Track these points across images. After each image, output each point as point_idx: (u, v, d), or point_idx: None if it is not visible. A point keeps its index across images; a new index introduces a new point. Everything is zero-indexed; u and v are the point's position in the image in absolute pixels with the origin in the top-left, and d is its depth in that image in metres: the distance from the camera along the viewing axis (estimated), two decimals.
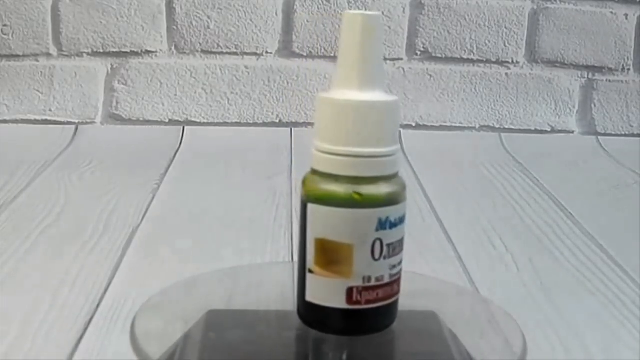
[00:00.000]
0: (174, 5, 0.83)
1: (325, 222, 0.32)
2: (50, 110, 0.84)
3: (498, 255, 0.53)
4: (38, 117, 0.84)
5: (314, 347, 0.34)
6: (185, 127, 0.85)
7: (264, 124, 0.87)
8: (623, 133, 0.91)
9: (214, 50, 0.85)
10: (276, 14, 0.85)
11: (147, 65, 0.84)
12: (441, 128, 0.88)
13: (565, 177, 0.75)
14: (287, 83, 0.86)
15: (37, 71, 0.84)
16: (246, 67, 0.85)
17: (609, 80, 0.89)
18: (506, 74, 0.88)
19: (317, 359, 0.35)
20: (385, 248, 0.32)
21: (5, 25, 0.82)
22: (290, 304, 0.34)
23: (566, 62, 0.89)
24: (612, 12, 0.88)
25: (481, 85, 0.88)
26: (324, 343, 0.34)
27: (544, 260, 0.53)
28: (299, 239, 0.33)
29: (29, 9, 0.82)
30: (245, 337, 0.35)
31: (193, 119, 0.86)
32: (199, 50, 0.85)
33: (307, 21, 0.85)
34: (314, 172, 0.33)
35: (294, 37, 0.85)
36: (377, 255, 0.32)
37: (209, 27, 0.84)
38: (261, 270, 0.43)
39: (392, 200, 0.32)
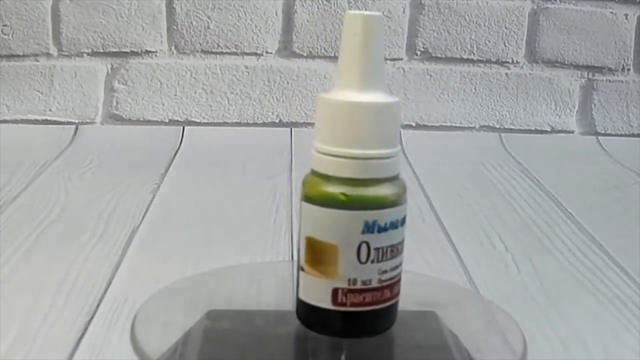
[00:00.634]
0: (174, 5, 0.83)
1: (314, 221, 0.32)
2: (50, 110, 0.84)
3: (498, 255, 0.53)
4: (38, 117, 0.84)
5: (313, 347, 0.34)
6: (185, 127, 0.85)
7: (264, 124, 0.87)
8: (623, 133, 0.91)
9: (214, 50, 0.85)
10: (276, 14, 0.85)
11: (147, 65, 0.84)
12: (441, 128, 0.88)
13: (565, 177, 0.75)
14: (287, 83, 0.86)
15: (37, 71, 0.84)
16: (246, 67, 0.85)
17: (609, 80, 0.89)
18: (506, 74, 0.88)
19: (316, 359, 0.35)
20: (372, 252, 0.32)
21: (5, 25, 0.82)
22: (290, 303, 0.34)
23: (566, 62, 0.89)
24: (612, 12, 0.88)
25: (481, 85, 0.88)
26: (323, 343, 0.34)
27: (544, 260, 0.53)
28: (298, 238, 0.33)
29: (29, 9, 0.82)
30: (245, 337, 0.35)
31: (193, 119, 0.86)
32: (199, 50, 0.85)
33: (307, 21, 0.85)
34: (312, 172, 0.33)
35: (294, 37, 0.85)
36: (363, 259, 0.32)
37: (209, 27, 0.84)
38: (261, 269, 0.43)
39: (381, 203, 0.32)
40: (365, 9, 0.84)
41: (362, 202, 0.32)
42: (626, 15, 0.88)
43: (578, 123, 0.90)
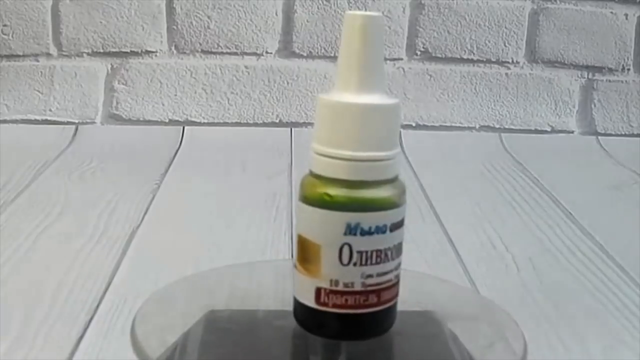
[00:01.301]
0: (174, 5, 0.83)
1: (304, 220, 0.32)
2: (50, 110, 0.84)
3: (498, 255, 0.53)
4: (38, 117, 0.84)
5: (313, 347, 0.34)
6: (185, 127, 0.85)
7: (264, 124, 0.87)
8: (623, 133, 0.91)
9: (214, 50, 0.85)
10: (276, 14, 0.85)
11: (147, 65, 0.84)
12: (441, 128, 0.88)
13: (565, 177, 0.75)
14: (287, 83, 0.86)
15: (37, 71, 0.84)
16: (246, 67, 0.85)
17: (609, 80, 0.89)
18: (506, 74, 0.88)
19: (316, 359, 0.35)
20: (355, 254, 0.31)
21: (5, 25, 0.82)
22: (289, 303, 0.34)
23: (566, 62, 0.89)
24: (612, 12, 0.88)
25: (481, 85, 0.88)
26: (322, 343, 0.34)
27: (544, 260, 0.53)
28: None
29: (29, 9, 0.82)
30: (244, 337, 0.35)
31: (193, 119, 0.86)
32: (199, 50, 0.85)
33: (307, 21, 0.85)
34: (309, 172, 0.33)
35: (294, 37, 0.85)
36: (345, 261, 0.31)
37: (209, 27, 0.84)
38: (261, 269, 0.43)
39: (365, 205, 0.31)
40: (365, 9, 0.84)
41: (345, 203, 0.31)
42: (626, 15, 0.88)
43: (578, 123, 0.90)
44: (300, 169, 0.66)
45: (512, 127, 0.89)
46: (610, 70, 0.89)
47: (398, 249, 0.33)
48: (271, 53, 0.85)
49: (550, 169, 0.78)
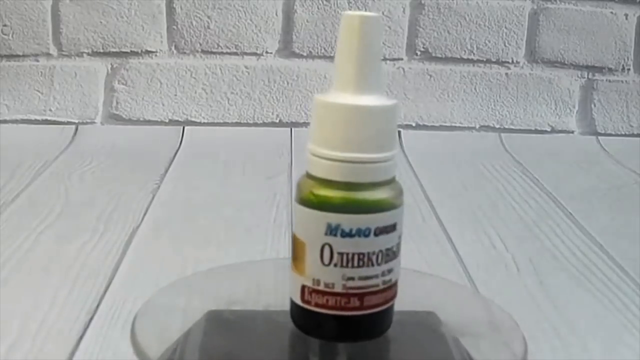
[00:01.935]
0: (174, 5, 0.83)
1: (295, 218, 0.32)
2: (50, 110, 0.84)
3: (498, 255, 0.53)
4: (38, 117, 0.84)
5: (313, 347, 0.34)
6: (185, 127, 0.85)
7: (264, 124, 0.87)
8: (623, 133, 0.91)
9: (214, 50, 0.85)
10: (276, 14, 0.85)
11: (147, 65, 0.84)
12: (441, 128, 0.88)
13: (565, 177, 0.75)
14: (287, 83, 0.86)
15: (37, 71, 0.84)
16: (246, 67, 0.85)
17: (609, 80, 0.89)
18: (506, 74, 0.88)
19: (317, 359, 0.35)
20: (336, 255, 0.31)
21: (5, 25, 0.82)
22: (289, 303, 0.34)
23: (566, 62, 0.89)
24: (612, 12, 0.88)
25: (481, 85, 0.88)
26: (322, 344, 0.34)
27: (544, 260, 0.53)
28: None
29: (29, 9, 0.82)
30: (244, 337, 0.35)
31: (193, 119, 0.86)
32: (199, 50, 0.85)
33: (307, 21, 0.85)
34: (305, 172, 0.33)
35: (294, 37, 0.85)
36: (326, 261, 0.31)
37: (209, 27, 0.84)
38: (261, 269, 0.43)
39: (346, 207, 0.31)
40: (365, 9, 0.84)
41: (326, 203, 0.31)
42: (626, 15, 0.88)
43: (578, 123, 0.90)
44: (300, 169, 0.66)
45: (512, 127, 0.89)
46: (610, 70, 0.89)
47: (388, 255, 0.32)
48: (271, 53, 0.85)
49: (550, 169, 0.78)
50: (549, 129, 0.90)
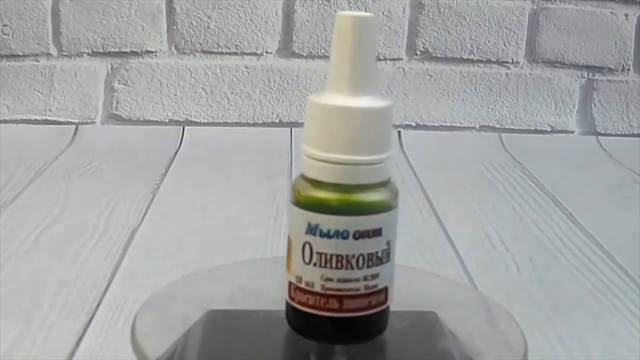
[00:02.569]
0: (174, 5, 0.83)
1: (288, 216, 0.33)
2: (50, 110, 0.84)
3: (498, 255, 0.53)
4: (38, 117, 0.84)
5: (314, 347, 0.34)
6: (185, 127, 0.85)
7: (264, 124, 0.87)
8: (623, 133, 0.91)
9: (214, 50, 0.85)
10: (276, 14, 0.85)
11: (147, 65, 0.84)
12: (441, 128, 0.88)
13: (565, 177, 0.75)
14: (287, 83, 0.86)
15: (37, 71, 0.84)
16: (246, 67, 0.85)
17: (609, 80, 0.89)
18: (506, 74, 0.88)
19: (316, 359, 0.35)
20: (315, 255, 0.31)
21: (5, 25, 0.82)
22: None
23: (566, 62, 0.89)
24: (612, 12, 0.88)
25: (481, 85, 0.88)
26: (322, 344, 0.34)
27: (544, 260, 0.53)
28: None
29: (29, 9, 0.82)
30: (245, 337, 0.35)
31: (193, 119, 0.86)
32: (199, 50, 0.85)
33: (307, 21, 0.85)
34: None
35: (294, 37, 0.85)
36: (306, 259, 0.31)
37: (209, 27, 0.84)
38: (261, 269, 0.43)
39: (323, 207, 0.31)
40: (366, 9, 0.84)
41: (309, 203, 0.31)
42: (626, 15, 0.88)
43: (578, 123, 0.90)
44: (299, 169, 0.66)
45: (512, 127, 0.89)
46: (610, 70, 0.89)
47: (371, 260, 0.31)
48: (271, 53, 0.85)
49: (550, 169, 0.78)
50: (549, 129, 0.90)
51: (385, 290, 0.32)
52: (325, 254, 0.31)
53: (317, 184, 0.31)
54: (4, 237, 0.53)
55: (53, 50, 0.83)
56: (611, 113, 0.90)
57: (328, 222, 0.31)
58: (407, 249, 0.53)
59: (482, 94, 0.88)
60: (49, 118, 0.84)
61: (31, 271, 0.48)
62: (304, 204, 0.31)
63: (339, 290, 0.31)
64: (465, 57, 0.87)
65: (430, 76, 0.87)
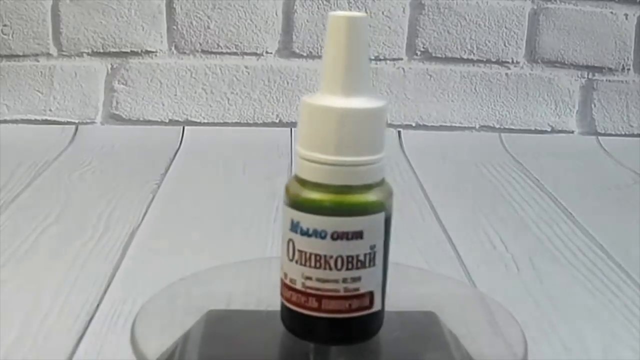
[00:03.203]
0: (174, 5, 0.83)
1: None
2: (50, 110, 0.84)
3: (498, 255, 0.53)
4: (38, 117, 0.84)
5: (312, 347, 0.34)
6: (185, 127, 0.85)
7: (264, 124, 0.87)
8: (623, 133, 0.91)
9: (214, 50, 0.85)
10: (276, 14, 0.84)
11: (147, 65, 0.84)
12: (441, 128, 0.88)
13: (565, 177, 0.75)
14: (287, 83, 0.86)
15: (37, 71, 0.84)
16: (246, 67, 0.85)
17: (609, 80, 0.89)
18: (506, 74, 0.88)
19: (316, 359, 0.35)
20: (297, 252, 0.31)
21: (5, 25, 0.82)
22: None
23: (566, 62, 0.89)
24: (612, 12, 0.88)
25: (481, 85, 0.88)
26: (321, 344, 0.34)
27: (544, 260, 0.53)
28: None
29: (29, 9, 0.82)
30: (244, 337, 0.35)
31: (193, 119, 0.86)
32: (199, 50, 0.85)
33: (307, 21, 0.85)
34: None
35: (294, 37, 0.85)
36: (290, 256, 0.32)
37: (209, 27, 0.84)
38: (261, 268, 0.43)
39: (307, 207, 0.31)
40: (366, 9, 0.84)
41: (293, 201, 0.32)
42: (626, 15, 0.88)
43: (578, 123, 0.90)
44: None
45: (512, 127, 0.89)
46: (610, 70, 0.89)
47: (351, 262, 0.31)
48: (271, 53, 0.85)
49: (550, 169, 0.78)
50: (549, 129, 0.90)
51: (370, 295, 0.32)
52: (305, 252, 0.31)
53: (303, 182, 0.32)
54: (4, 237, 0.53)
55: (53, 50, 0.83)
56: (611, 113, 0.90)
57: (307, 220, 0.31)
58: (407, 249, 0.53)
59: (482, 94, 0.88)
60: (49, 118, 0.84)
61: (31, 271, 0.48)
62: (290, 202, 0.32)
63: (317, 289, 0.32)
64: (465, 57, 0.87)
65: (430, 76, 0.87)
